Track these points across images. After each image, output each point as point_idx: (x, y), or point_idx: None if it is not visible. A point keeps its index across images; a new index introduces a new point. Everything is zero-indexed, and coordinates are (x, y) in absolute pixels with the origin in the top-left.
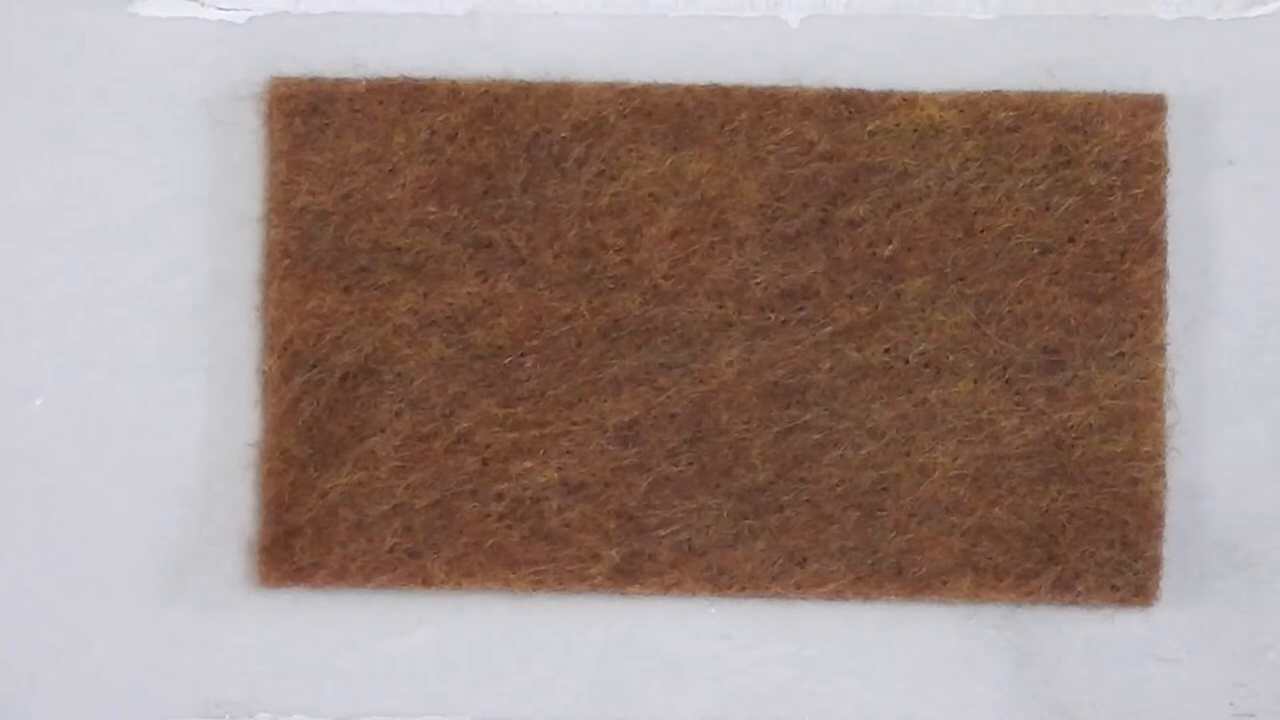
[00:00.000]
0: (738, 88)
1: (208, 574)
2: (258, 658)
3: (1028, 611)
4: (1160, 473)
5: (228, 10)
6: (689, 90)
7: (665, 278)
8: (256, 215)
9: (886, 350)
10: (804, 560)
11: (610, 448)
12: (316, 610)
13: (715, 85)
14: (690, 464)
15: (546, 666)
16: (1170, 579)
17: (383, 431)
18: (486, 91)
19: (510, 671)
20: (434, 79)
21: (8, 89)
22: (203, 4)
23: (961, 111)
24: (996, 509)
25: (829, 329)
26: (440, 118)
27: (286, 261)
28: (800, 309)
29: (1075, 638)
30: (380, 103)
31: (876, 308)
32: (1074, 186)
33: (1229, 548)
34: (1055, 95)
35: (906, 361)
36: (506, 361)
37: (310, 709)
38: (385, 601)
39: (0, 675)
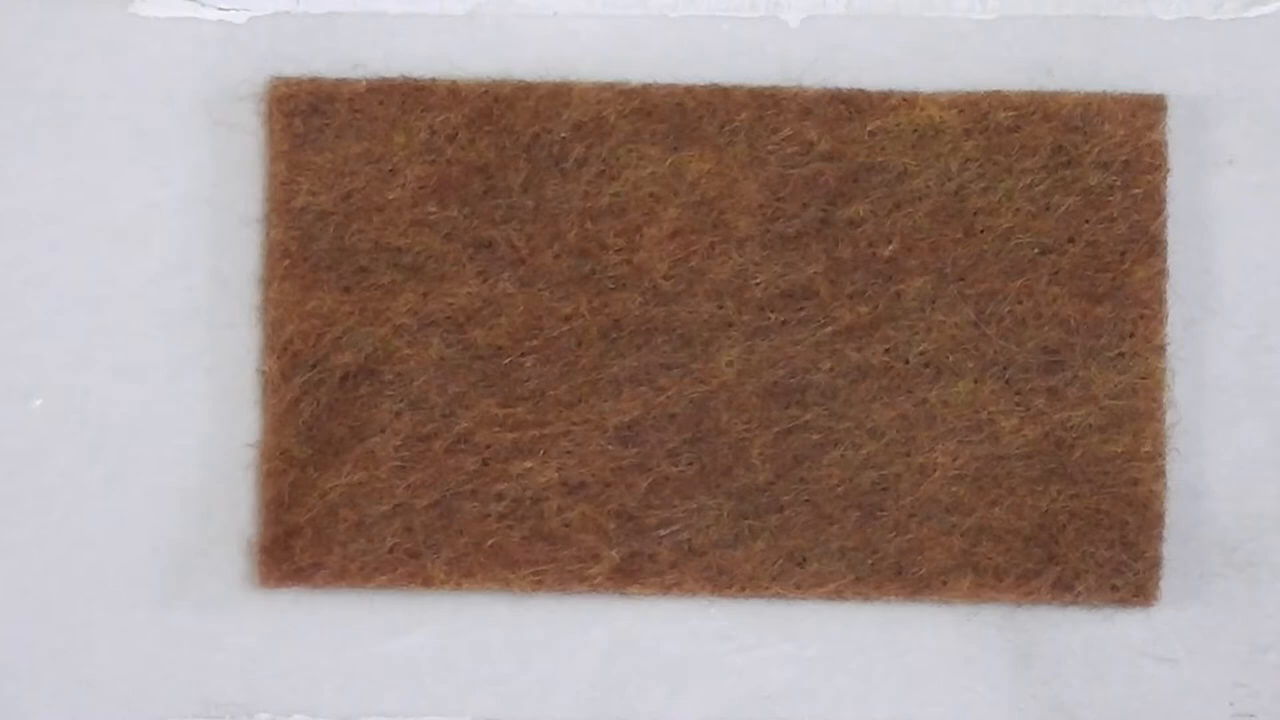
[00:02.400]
0: (738, 88)
1: (208, 574)
2: (258, 658)
3: (1027, 612)
4: (1160, 473)
5: (228, 10)
6: (689, 90)
7: (665, 278)
8: (256, 215)
9: (886, 350)
10: (804, 560)
11: (610, 448)
12: (316, 610)
13: (715, 85)
14: (690, 464)
15: (546, 667)
16: (1170, 579)
17: (383, 432)
18: (486, 92)
19: (510, 672)
20: (434, 79)
21: (8, 89)
22: (203, 4)
23: (961, 111)
24: (996, 509)
25: (829, 329)
26: (440, 118)
27: (286, 262)
28: (800, 309)
29: (1075, 638)
30: (380, 103)
31: (876, 308)
32: (1074, 186)
33: (1229, 548)
34: (1055, 95)
35: (906, 361)
36: (506, 362)
37: (310, 709)
38: (385, 602)
39: (0, 675)
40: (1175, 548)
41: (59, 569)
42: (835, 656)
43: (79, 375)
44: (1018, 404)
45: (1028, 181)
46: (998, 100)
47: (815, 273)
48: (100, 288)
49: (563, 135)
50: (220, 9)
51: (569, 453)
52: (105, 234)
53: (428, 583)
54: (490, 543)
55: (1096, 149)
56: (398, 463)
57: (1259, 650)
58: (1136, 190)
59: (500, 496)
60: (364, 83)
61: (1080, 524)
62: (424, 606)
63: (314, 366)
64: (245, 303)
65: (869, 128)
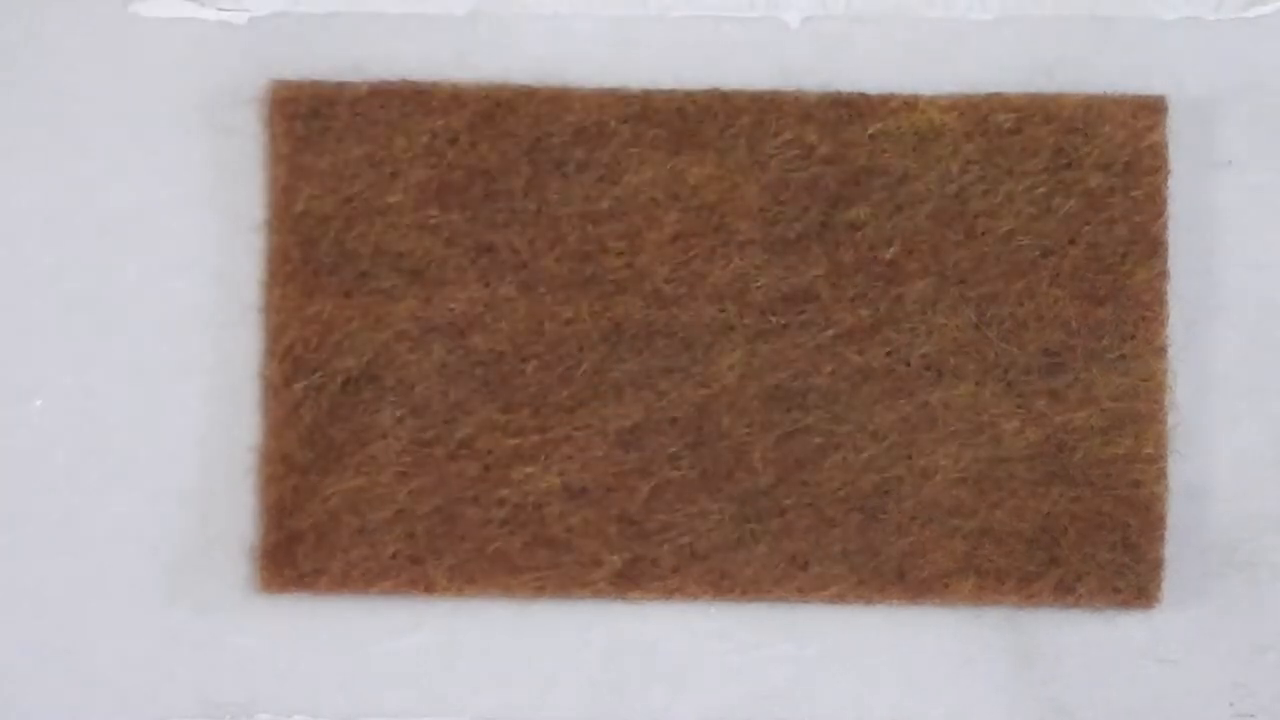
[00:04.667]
0: (738, 92)
1: (208, 579)
2: (258, 658)
3: (1029, 614)
4: (1162, 474)
5: (228, 11)
6: (689, 95)
7: (666, 282)
8: (257, 219)
9: (888, 353)
10: (806, 564)
11: (612, 452)
12: (317, 612)
13: (715, 90)
14: (692, 468)
15: (548, 670)
16: (1171, 580)
17: (384, 437)
18: (488, 95)
19: (512, 675)
20: (435, 83)
21: (8, 89)
22: (203, 4)
23: (962, 114)
24: (998, 511)
25: (830, 332)
26: (441, 121)
27: (288, 266)
28: (801, 312)
29: (1076, 639)
30: (381, 106)
31: (878, 311)
32: (1075, 188)
33: (1230, 549)
34: (1056, 97)
35: (908, 364)
36: (508, 367)
37: (311, 710)
38: (386, 604)
39: (0, 675)
40: (1177, 549)
41: (59, 569)
42: (836, 657)
43: (79, 376)
44: (1019, 406)
45: (1028, 184)
46: (998, 102)
47: (816, 276)
48: (100, 289)
49: (564, 139)
50: (220, 9)
51: (571, 458)
52: (105, 234)
53: (430, 589)
54: (492, 548)
55: (1097, 151)
56: (399, 468)
57: (1259, 650)
58: (1137, 192)
59: (502, 502)
60: (365, 86)
61: (1082, 526)
62: (425, 609)
63: (315, 371)
64: (246, 307)
65: (869, 131)
